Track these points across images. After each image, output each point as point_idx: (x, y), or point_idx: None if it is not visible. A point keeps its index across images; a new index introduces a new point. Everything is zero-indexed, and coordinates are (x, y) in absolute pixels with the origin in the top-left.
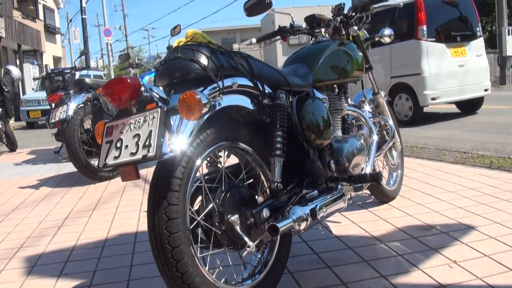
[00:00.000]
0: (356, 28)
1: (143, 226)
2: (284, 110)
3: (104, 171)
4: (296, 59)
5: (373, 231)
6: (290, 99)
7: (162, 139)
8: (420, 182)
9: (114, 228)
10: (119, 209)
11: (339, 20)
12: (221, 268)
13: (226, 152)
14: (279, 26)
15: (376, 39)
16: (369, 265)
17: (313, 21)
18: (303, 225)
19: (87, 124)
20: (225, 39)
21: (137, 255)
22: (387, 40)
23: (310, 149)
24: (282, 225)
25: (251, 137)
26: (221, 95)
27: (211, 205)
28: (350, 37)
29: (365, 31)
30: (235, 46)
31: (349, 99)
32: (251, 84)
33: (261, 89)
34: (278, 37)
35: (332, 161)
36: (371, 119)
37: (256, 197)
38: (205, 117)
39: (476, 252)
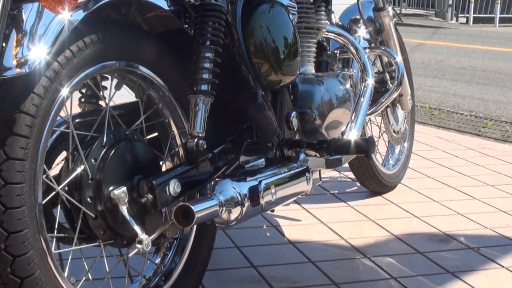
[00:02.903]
0: None
1: None
2: (220, 18)
3: None
4: None
5: (352, 238)
6: (232, 0)
7: (4, 45)
8: (439, 166)
9: None
10: None
11: None
12: (90, 277)
13: (115, 81)
14: None
15: None
16: None
17: None
18: (236, 213)
19: None
20: None
21: None
22: None
23: (258, 89)
24: (200, 209)
25: (161, 59)
26: None
27: (82, 167)
28: None
29: None
30: None
31: (333, 15)
32: None
33: None
34: None
35: (293, 113)
36: (367, 51)
37: (161, 161)
38: (84, 12)
39: None
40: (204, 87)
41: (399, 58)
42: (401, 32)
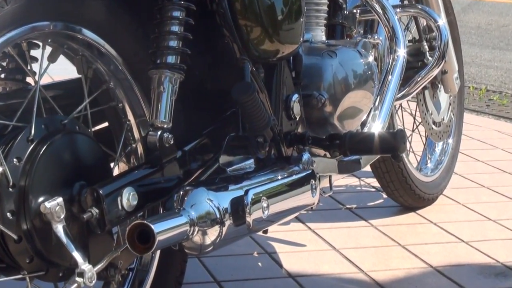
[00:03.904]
0: None
1: None
2: None
3: None
4: None
5: (375, 270)
6: None
7: None
8: (498, 172)
9: None
10: None
11: None
12: None
13: (49, 49)
14: None
15: None
16: None
17: None
18: (213, 235)
19: None
20: None
21: None
22: None
23: (246, 62)
24: (164, 229)
25: (113, 19)
26: None
27: (0, 169)
28: None
29: None
30: None
31: None
32: None
33: None
34: None
35: (295, 96)
36: (398, 10)
37: (112, 162)
38: None
39: None
40: (171, 59)
41: (442, 21)
42: None
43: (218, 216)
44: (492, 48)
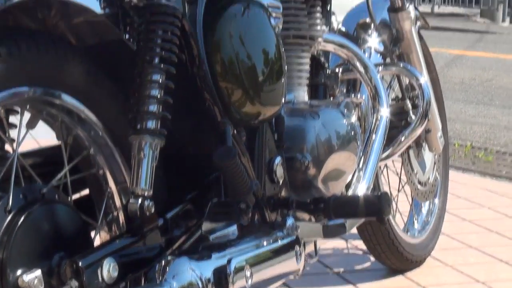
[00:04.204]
0: None
1: None
2: (173, 24)
3: None
4: None
5: None
6: None
7: None
8: (486, 231)
9: None
10: None
11: None
12: None
13: (28, 116)
14: None
15: None
16: None
17: None
18: None
19: None
20: None
21: None
22: None
23: (228, 125)
24: None
25: (93, 84)
26: None
27: None
28: None
29: None
30: None
31: (334, 18)
32: None
33: None
34: None
35: (277, 159)
36: (380, 68)
37: (93, 231)
38: None
39: None
40: (151, 124)
41: (423, 79)
42: (434, 39)
43: (200, 287)
44: (476, 104)
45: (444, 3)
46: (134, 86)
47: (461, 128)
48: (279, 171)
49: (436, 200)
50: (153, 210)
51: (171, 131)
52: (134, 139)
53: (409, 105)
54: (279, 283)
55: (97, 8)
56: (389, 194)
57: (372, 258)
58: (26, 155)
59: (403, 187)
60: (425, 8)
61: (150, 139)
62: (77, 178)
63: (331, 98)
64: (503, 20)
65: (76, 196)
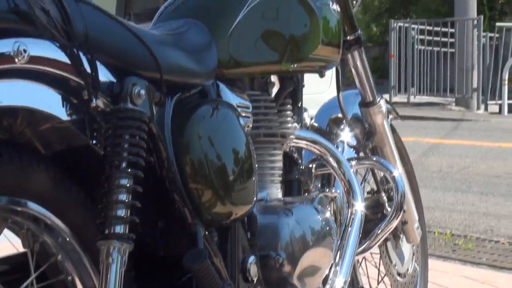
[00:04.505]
0: None
1: None
2: (140, 128)
3: None
4: (185, 9)
5: None
6: (158, 102)
7: None
8: None
9: None
10: None
11: None
12: None
13: None
14: None
15: None
16: None
17: None
18: None
19: None
20: None
21: None
22: None
23: (199, 226)
24: None
25: (59, 190)
26: None
27: None
28: None
29: None
30: None
31: (306, 114)
32: (64, 59)
33: (90, 71)
34: None
35: (251, 258)
36: (353, 163)
37: None
38: None
39: None
40: (119, 228)
41: (397, 172)
42: (411, 128)
43: None
44: (454, 191)
45: (419, 93)
46: (102, 191)
47: (441, 216)
48: (253, 269)
49: None
50: None
51: (140, 234)
52: (102, 244)
53: (385, 198)
54: None
55: (63, 115)
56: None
57: None
58: None
59: (382, 279)
60: (401, 98)
61: (119, 244)
62: (45, 285)
63: (306, 193)
64: (478, 108)
65: None
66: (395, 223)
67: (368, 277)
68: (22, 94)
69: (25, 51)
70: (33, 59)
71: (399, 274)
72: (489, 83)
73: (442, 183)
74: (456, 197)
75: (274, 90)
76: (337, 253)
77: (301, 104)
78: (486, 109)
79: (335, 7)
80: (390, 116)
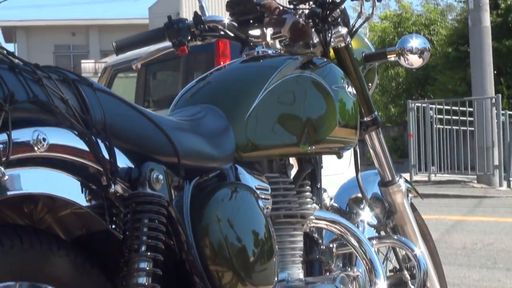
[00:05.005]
0: (344, 31)
1: None
2: (159, 212)
3: None
4: (201, 95)
5: None
6: (176, 186)
7: None
8: None
9: None
10: None
11: (305, 12)
12: None
13: None
14: (169, 18)
15: (392, 58)
16: None
17: (246, 11)
18: None
19: None
20: (64, 46)
21: None
22: (416, 61)
23: None
24: None
25: (79, 275)
26: (3, 167)
27: None
28: (331, 52)
29: (365, 39)
30: (87, 66)
31: (326, 194)
32: (83, 146)
33: (108, 158)
34: (166, 44)
35: None
36: (375, 242)
37: None
38: None
39: None
40: None
41: (418, 250)
42: (433, 206)
43: None
44: (479, 268)
45: (440, 171)
46: (122, 274)
47: None
48: None
49: None
50: None
51: None
52: None
53: (408, 276)
54: None
55: (82, 201)
56: None
57: None
58: None
59: None
60: (422, 177)
61: None
62: None
63: (328, 273)
64: (500, 185)
65: None
66: None
67: None
68: (42, 182)
69: (44, 139)
70: (53, 147)
71: None
72: (510, 160)
73: (467, 260)
74: (481, 274)
75: (293, 171)
76: None
77: (320, 184)
78: (508, 185)
79: (351, 89)
80: (410, 195)
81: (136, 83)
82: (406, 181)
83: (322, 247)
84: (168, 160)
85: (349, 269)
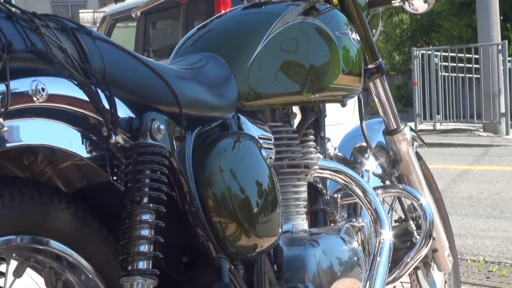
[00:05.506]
0: None
1: None
2: (161, 163)
3: None
4: (202, 44)
5: None
6: (178, 136)
7: None
8: None
9: None
10: None
11: None
12: None
13: (15, 264)
14: None
15: (396, 3)
16: None
17: None
18: None
19: None
20: None
21: None
22: (421, 6)
23: (223, 260)
24: None
25: (81, 228)
26: (1, 118)
27: None
28: None
29: None
30: (86, 16)
31: (330, 144)
32: (83, 96)
33: (108, 108)
34: None
35: None
36: (379, 191)
37: None
38: None
39: None
40: (142, 264)
41: (424, 200)
42: (438, 155)
43: None
44: (486, 217)
45: (445, 120)
46: (124, 227)
47: (473, 243)
48: None
49: None
50: None
51: (164, 270)
52: (126, 280)
53: (413, 226)
54: None
55: (82, 152)
56: None
57: None
58: None
59: None
60: (427, 125)
61: (142, 280)
62: None
63: (332, 224)
64: (507, 133)
65: None
66: (424, 251)
67: None
68: (42, 133)
69: (43, 89)
70: (52, 98)
71: None
72: None
73: (473, 209)
74: (488, 223)
75: (296, 120)
76: (366, 283)
77: (324, 134)
78: None
79: (355, 36)
80: (415, 144)
81: (136, 32)
82: (411, 129)
83: (326, 197)
84: (169, 109)
85: (354, 220)
